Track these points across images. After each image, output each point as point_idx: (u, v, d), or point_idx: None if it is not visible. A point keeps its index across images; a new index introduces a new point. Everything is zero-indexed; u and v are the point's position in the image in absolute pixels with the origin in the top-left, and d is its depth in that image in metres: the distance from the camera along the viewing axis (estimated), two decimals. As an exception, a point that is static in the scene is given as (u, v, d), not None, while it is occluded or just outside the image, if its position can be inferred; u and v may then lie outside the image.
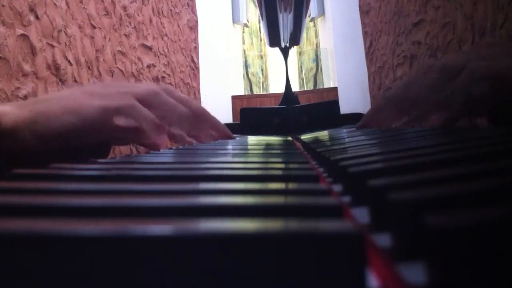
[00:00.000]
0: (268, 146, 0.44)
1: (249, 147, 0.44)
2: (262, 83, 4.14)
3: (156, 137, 0.33)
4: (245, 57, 4.11)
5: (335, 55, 3.27)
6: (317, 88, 3.77)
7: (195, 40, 1.42)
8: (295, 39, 1.06)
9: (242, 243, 0.08)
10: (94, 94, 0.30)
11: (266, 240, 0.08)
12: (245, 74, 4.05)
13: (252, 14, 3.99)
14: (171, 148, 0.39)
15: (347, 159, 0.20)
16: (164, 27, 1.11)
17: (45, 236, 0.08)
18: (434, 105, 0.35)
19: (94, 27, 0.71)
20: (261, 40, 4.13)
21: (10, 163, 0.27)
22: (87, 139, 0.30)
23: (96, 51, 0.71)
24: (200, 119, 0.41)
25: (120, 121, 0.30)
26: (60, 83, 0.58)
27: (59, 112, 0.28)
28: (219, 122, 0.44)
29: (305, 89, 3.86)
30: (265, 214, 0.10)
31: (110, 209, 0.11)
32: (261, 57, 4.17)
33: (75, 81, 0.63)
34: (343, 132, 0.61)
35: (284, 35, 1.03)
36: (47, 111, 0.28)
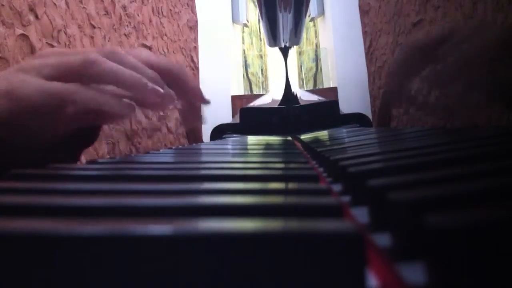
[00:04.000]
0: (268, 146, 0.44)
1: (249, 147, 0.44)
2: (262, 83, 4.14)
3: (125, 110, 0.26)
4: (245, 57, 4.11)
5: (335, 55, 3.27)
6: (317, 88, 3.77)
7: (195, 40, 1.42)
8: (295, 39, 1.06)
9: (242, 243, 0.08)
10: (32, 70, 0.25)
11: (266, 240, 0.08)
12: (244, 74, 4.05)
13: (252, 14, 3.98)
14: (171, 148, 0.39)
15: (347, 159, 0.20)
16: (163, 27, 1.11)
17: (45, 236, 0.08)
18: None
19: (94, 27, 0.71)
20: (261, 40, 4.12)
21: None
22: (35, 129, 0.25)
23: (96, 51, 0.71)
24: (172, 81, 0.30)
25: (69, 108, 0.24)
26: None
27: None
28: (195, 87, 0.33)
29: (305, 89, 3.85)
30: (265, 214, 0.10)
31: (110, 209, 0.11)
32: (261, 57, 4.17)
33: (75, 81, 0.63)
34: (343, 132, 0.61)
35: (284, 35, 1.03)
36: None
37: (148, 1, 1.00)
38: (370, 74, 1.38)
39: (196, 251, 0.07)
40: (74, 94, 0.25)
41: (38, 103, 0.24)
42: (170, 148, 0.39)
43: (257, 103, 1.15)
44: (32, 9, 0.53)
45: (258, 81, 4.10)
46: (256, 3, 1.11)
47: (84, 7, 0.67)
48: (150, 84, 0.27)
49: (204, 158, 0.30)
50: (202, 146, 0.39)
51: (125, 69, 0.27)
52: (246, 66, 4.04)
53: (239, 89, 3.81)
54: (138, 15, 0.92)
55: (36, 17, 0.54)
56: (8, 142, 0.24)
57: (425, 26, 0.83)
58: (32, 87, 0.24)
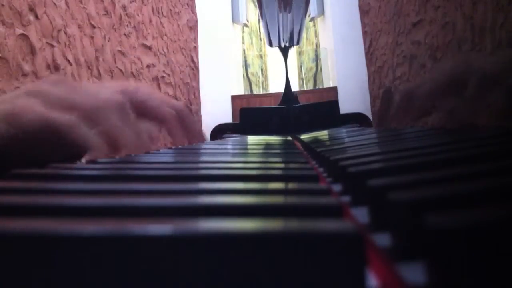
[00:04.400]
0: (268, 146, 0.44)
1: (249, 147, 0.44)
2: (262, 83, 4.14)
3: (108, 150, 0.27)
4: (245, 57, 4.11)
5: (335, 55, 3.27)
6: (317, 88, 3.77)
7: (195, 39, 1.42)
8: (294, 39, 1.06)
9: (242, 243, 0.08)
10: (36, 97, 0.26)
11: (266, 240, 0.08)
12: (244, 74, 4.05)
13: (252, 14, 3.98)
14: (170, 148, 0.39)
15: (346, 159, 0.20)
16: (163, 27, 1.11)
17: (45, 236, 0.08)
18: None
19: (94, 27, 0.71)
20: (260, 40, 4.12)
21: None
22: (30, 152, 0.25)
23: (96, 50, 0.71)
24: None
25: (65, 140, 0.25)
26: (59, 82, 0.58)
27: None
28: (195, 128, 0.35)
29: (305, 89, 3.85)
30: (265, 214, 0.10)
31: (110, 209, 0.11)
32: (261, 57, 4.17)
33: (75, 81, 0.63)
34: (343, 132, 0.61)
35: (284, 35, 1.03)
36: None
37: (148, 1, 1.00)
38: (370, 74, 1.38)
39: (196, 251, 0.07)
40: (72, 129, 0.25)
41: (37, 132, 0.24)
42: (170, 148, 0.39)
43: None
44: (32, 9, 0.53)
45: (258, 81, 4.10)
46: (256, 3, 1.11)
47: (84, 7, 0.67)
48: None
49: (204, 158, 0.30)
50: (202, 146, 0.39)
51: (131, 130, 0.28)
52: (246, 66, 4.04)
53: (239, 89, 3.81)
54: (138, 15, 0.92)
55: (36, 17, 0.54)
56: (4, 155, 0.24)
57: (425, 26, 0.83)
58: (34, 115, 0.24)
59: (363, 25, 1.39)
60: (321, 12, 3.68)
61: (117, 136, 0.28)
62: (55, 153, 0.25)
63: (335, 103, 0.97)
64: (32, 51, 0.52)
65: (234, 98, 3.42)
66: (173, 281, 0.07)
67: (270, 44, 1.09)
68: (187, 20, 1.33)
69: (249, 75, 4.09)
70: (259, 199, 0.12)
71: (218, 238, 0.08)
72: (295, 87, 3.54)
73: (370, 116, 1.05)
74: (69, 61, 0.61)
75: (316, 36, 3.95)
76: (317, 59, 3.93)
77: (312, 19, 3.80)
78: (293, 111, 0.95)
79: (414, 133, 0.34)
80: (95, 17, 0.71)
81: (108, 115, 0.28)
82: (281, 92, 1.06)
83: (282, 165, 0.24)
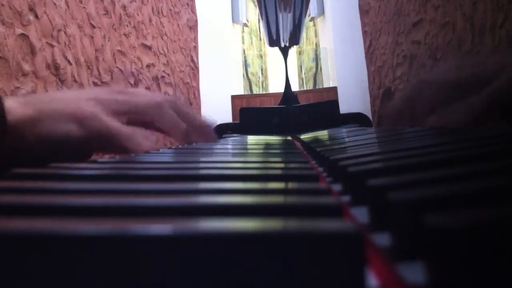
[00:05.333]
0: (267, 145, 0.44)
1: (248, 146, 0.44)
2: (262, 83, 4.14)
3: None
4: (245, 57, 4.11)
5: (334, 55, 3.27)
6: (317, 87, 3.77)
7: (195, 39, 1.42)
8: (294, 39, 1.06)
9: (241, 243, 0.08)
10: (100, 104, 0.30)
11: (265, 240, 0.08)
12: (244, 73, 4.05)
13: (252, 13, 3.99)
14: (170, 148, 0.39)
15: (346, 158, 0.20)
16: (163, 27, 1.11)
17: (45, 236, 0.08)
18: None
19: (94, 27, 0.71)
20: (260, 39, 4.13)
21: (11, 161, 0.27)
22: (85, 150, 0.30)
23: (96, 50, 0.71)
24: (200, 135, 0.41)
25: (123, 145, 0.31)
26: (59, 82, 0.58)
27: (62, 117, 0.28)
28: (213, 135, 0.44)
29: (305, 88, 3.86)
30: (264, 213, 0.10)
31: (110, 209, 0.11)
32: (261, 56, 4.17)
33: (75, 80, 0.63)
34: (343, 131, 0.61)
35: (284, 35, 1.03)
36: (50, 113, 0.28)
37: (148, 1, 1.00)
38: (370, 74, 1.38)
39: (196, 251, 0.07)
40: (129, 138, 0.31)
41: (100, 137, 0.29)
42: (170, 148, 0.39)
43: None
44: (32, 9, 0.53)
45: (258, 81, 4.10)
46: (256, 3, 1.11)
47: (84, 7, 0.67)
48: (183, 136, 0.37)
49: (204, 158, 0.30)
50: (202, 146, 0.39)
51: (180, 122, 0.36)
52: (246, 66, 4.05)
53: (239, 89, 3.81)
54: (138, 15, 0.92)
55: (36, 16, 0.54)
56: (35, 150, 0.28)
57: (425, 26, 0.83)
58: (99, 123, 0.29)
59: (363, 25, 1.39)
60: (321, 12, 3.68)
61: (174, 125, 0.35)
62: (101, 150, 0.32)
63: (335, 103, 0.97)
64: (32, 51, 0.52)
65: (234, 98, 3.42)
66: (173, 281, 0.07)
67: (270, 44, 1.09)
68: (187, 20, 1.33)
69: (249, 75, 4.09)
70: (259, 199, 0.12)
71: (218, 238, 0.08)
72: (295, 87, 3.54)
73: (370, 116, 1.05)
74: (69, 61, 0.61)
75: (316, 36, 3.95)
76: (317, 59, 3.93)
77: (312, 19, 3.80)
78: (293, 111, 0.95)
79: (414, 133, 0.34)
80: (95, 17, 0.71)
81: (166, 110, 0.35)
82: (281, 92, 1.06)
83: (282, 165, 0.24)
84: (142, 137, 0.32)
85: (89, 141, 0.29)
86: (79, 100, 0.30)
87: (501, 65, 0.32)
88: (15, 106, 0.27)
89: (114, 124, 0.30)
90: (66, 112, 0.29)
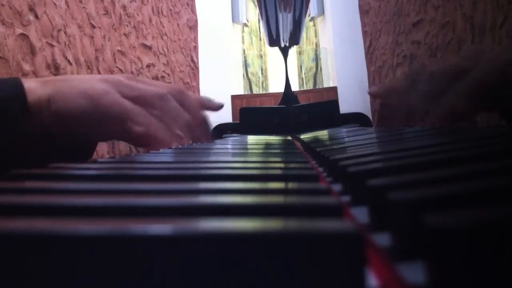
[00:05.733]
0: (267, 145, 0.44)
1: (248, 146, 0.44)
2: (262, 83, 4.14)
3: (172, 141, 0.34)
4: (245, 57, 4.11)
5: (334, 55, 3.27)
6: (317, 87, 3.77)
7: (195, 39, 1.42)
8: (294, 39, 1.06)
9: (241, 243, 0.08)
10: (112, 84, 0.32)
11: (265, 240, 0.08)
12: (244, 73, 4.05)
13: (252, 13, 3.99)
14: (170, 148, 0.39)
15: (346, 158, 0.20)
16: (163, 27, 1.11)
17: (45, 236, 0.08)
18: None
19: (94, 27, 0.71)
20: (260, 39, 4.13)
21: (30, 146, 0.28)
22: (99, 129, 0.32)
23: (96, 50, 0.71)
24: (199, 128, 0.42)
25: (133, 126, 0.32)
26: (59, 82, 0.58)
27: (76, 94, 0.30)
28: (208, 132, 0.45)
29: (305, 88, 3.86)
30: (264, 213, 0.10)
31: (110, 209, 0.11)
32: (261, 56, 4.17)
33: (75, 80, 0.63)
34: (343, 131, 0.61)
35: (284, 35, 1.03)
36: (66, 91, 0.30)
37: (148, 1, 1.00)
38: (370, 74, 1.38)
39: (196, 251, 0.07)
40: (140, 116, 0.32)
41: (113, 113, 0.31)
42: (170, 148, 0.39)
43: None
44: (32, 9, 0.53)
45: (258, 81, 4.10)
46: (256, 3, 1.11)
47: (84, 7, 0.67)
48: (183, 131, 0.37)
49: (204, 158, 0.30)
50: (202, 146, 0.39)
51: (184, 113, 0.37)
52: (246, 66, 4.04)
53: (239, 89, 3.81)
54: (138, 15, 0.92)
55: (36, 16, 0.54)
56: (56, 133, 0.30)
57: (425, 26, 0.83)
58: (112, 99, 0.31)
59: (363, 25, 1.39)
60: (321, 12, 3.68)
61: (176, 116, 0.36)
62: (114, 132, 0.32)
63: (335, 103, 0.97)
64: (32, 50, 0.52)
65: (234, 98, 3.42)
66: (173, 281, 0.07)
67: (270, 44, 1.09)
68: (187, 19, 1.33)
69: (249, 75, 4.09)
70: (258, 199, 0.12)
71: (218, 238, 0.08)
72: (295, 87, 3.54)
73: (370, 116, 1.05)
74: (69, 61, 0.61)
75: (316, 36, 3.95)
76: (317, 59, 3.93)
77: (312, 19, 3.80)
78: (293, 111, 0.95)
79: (414, 133, 0.34)
80: (95, 17, 0.71)
81: (170, 103, 0.36)
82: (281, 92, 1.06)
83: (282, 165, 0.24)
84: (156, 120, 0.33)
85: (104, 118, 0.31)
86: (93, 80, 0.32)
87: (479, 53, 0.32)
88: (33, 86, 0.29)
89: (126, 102, 0.32)
90: (81, 90, 0.30)
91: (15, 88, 0.28)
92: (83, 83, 0.31)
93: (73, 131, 0.31)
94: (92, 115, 0.30)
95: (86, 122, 0.30)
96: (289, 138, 0.62)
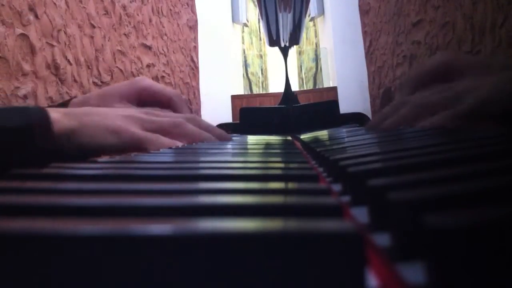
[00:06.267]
0: (267, 145, 0.44)
1: (248, 146, 0.44)
2: (262, 83, 4.14)
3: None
4: (245, 57, 4.11)
5: (334, 55, 3.27)
6: (317, 87, 3.77)
7: (195, 39, 1.42)
8: (294, 39, 1.06)
9: (241, 243, 0.08)
10: (132, 120, 0.36)
11: (265, 240, 0.08)
12: (244, 73, 4.05)
13: (252, 13, 3.99)
14: (170, 148, 0.39)
15: (346, 158, 0.20)
16: (163, 27, 1.11)
17: (45, 236, 0.08)
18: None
19: (94, 27, 0.71)
20: (260, 39, 4.13)
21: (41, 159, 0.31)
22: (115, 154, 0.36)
23: (96, 50, 0.71)
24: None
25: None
26: (59, 82, 0.58)
27: (101, 130, 0.33)
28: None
29: (305, 88, 3.86)
30: (264, 213, 0.10)
31: (110, 209, 0.11)
32: (261, 56, 4.17)
33: (75, 80, 0.63)
34: (343, 132, 0.61)
35: (284, 35, 1.03)
36: (92, 126, 0.33)
37: (148, 1, 1.00)
38: (370, 74, 1.38)
39: (196, 251, 0.07)
40: (154, 141, 0.36)
41: (133, 146, 0.35)
42: (170, 148, 0.39)
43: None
44: (32, 9, 0.53)
45: (258, 81, 4.10)
46: (256, 3, 1.11)
47: (84, 7, 0.67)
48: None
49: (204, 158, 0.30)
50: (202, 146, 0.39)
51: (204, 132, 0.41)
52: (246, 66, 4.04)
53: (239, 89, 3.81)
54: (138, 15, 0.92)
55: (36, 16, 0.54)
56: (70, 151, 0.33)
57: (425, 26, 0.83)
58: (132, 134, 0.35)
59: (363, 25, 1.39)
60: (321, 12, 3.68)
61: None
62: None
63: (335, 103, 0.97)
64: (32, 50, 0.52)
65: (234, 98, 3.42)
66: (173, 281, 0.07)
67: (270, 44, 1.09)
68: (187, 19, 1.33)
69: (249, 75, 4.09)
70: (258, 199, 0.12)
71: (217, 238, 0.08)
72: (295, 87, 3.54)
73: (370, 116, 1.05)
74: (69, 61, 0.61)
75: (316, 36, 3.95)
76: (317, 59, 3.93)
77: (312, 19, 3.80)
78: (293, 111, 0.95)
79: (414, 133, 0.34)
80: (95, 17, 0.71)
81: (187, 126, 0.40)
82: (281, 92, 1.06)
83: (282, 165, 0.24)
84: (167, 140, 0.38)
85: (124, 149, 0.35)
86: (114, 115, 0.35)
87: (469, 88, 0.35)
88: (58, 118, 0.31)
89: (142, 133, 0.36)
90: (104, 126, 0.34)
91: (41, 117, 0.30)
92: (106, 119, 0.34)
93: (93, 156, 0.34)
94: (114, 149, 0.34)
95: (106, 152, 0.34)
96: (289, 138, 0.62)
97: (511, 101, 0.32)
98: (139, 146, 0.35)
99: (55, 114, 0.31)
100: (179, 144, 0.38)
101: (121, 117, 0.36)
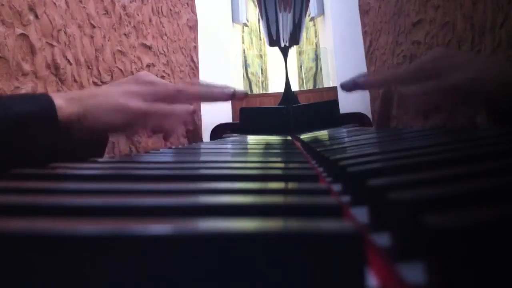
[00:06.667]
0: (267, 145, 0.44)
1: (249, 146, 0.44)
2: (262, 83, 4.14)
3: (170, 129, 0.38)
4: (245, 57, 4.11)
5: (334, 55, 3.27)
6: (317, 87, 3.77)
7: (195, 39, 1.42)
8: (294, 39, 1.06)
9: (241, 243, 0.08)
10: (133, 94, 0.37)
11: (265, 240, 0.08)
12: (244, 73, 4.05)
13: (252, 13, 3.98)
14: (170, 148, 0.39)
15: (346, 158, 0.20)
16: (163, 27, 1.11)
17: (45, 235, 0.08)
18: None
19: (94, 27, 0.71)
20: (260, 39, 4.12)
21: (59, 151, 0.31)
22: (123, 132, 0.36)
23: (96, 50, 0.71)
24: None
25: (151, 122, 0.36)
26: (59, 82, 0.58)
27: (106, 110, 0.34)
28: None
29: (305, 88, 3.85)
30: (264, 213, 0.10)
31: (110, 208, 0.11)
32: (261, 56, 4.17)
33: (75, 80, 0.63)
34: (343, 131, 0.61)
35: (284, 35, 1.03)
36: (96, 108, 0.34)
37: (148, 1, 1.00)
38: (370, 74, 1.38)
39: (196, 250, 0.07)
40: (158, 112, 0.36)
41: (139, 119, 0.35)
42: (170, 148, 0.39)
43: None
44: (32, 9, 0.53)
45: (258, 81, 4.10)
46: (256, 3, 1.11)
47: (84, 7, 0.67)
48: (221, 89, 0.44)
49: (204, 158, 0.30)
50: (202, 146, 0.39)
51: (203, 90, 0.41)
52: (246, 65, 4.04)
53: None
54: (138, 15, 0.92)
55: (36, 16, 0.54)
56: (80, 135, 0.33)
57: (425, 26, 0.83)
58: (136, 108, 0.36)
59: (363, 25, 1.39)
60: (321, 12, 3.68)
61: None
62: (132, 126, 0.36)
63: (335, 103, 0.97)
64: (32, 50, 0.52)
65: (234, 98, 3.41)
66: (173, 281, 0.07)
67: (270, 44, 1.09)
68: (187, 19, 1.33)
69: (249, 75, 4.08)
70: (259, 199, 0.12)
71: (217, 238, 0.08)
72: (295, 87, 3.54)
73: (370, 116, 1.05)
74: (69, 61, 0.61)
75: (316, 36, 3.94)
76: (317, 59, 3.93)
77: (312, 19, 3.80)
78: (293, 111, 0.95)
79: (414, 133, 0.34)
80: (95, 17, 0.71)
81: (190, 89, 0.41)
82: (281, 92, 1.06)
83: (282, 165, 0.24)
84: (173, 107, 0.38)
85: (130, 125, 0.36)
86: (115, 93, 0.36)
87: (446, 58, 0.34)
88: (62, 104, 0.31)
89: (145, 104, 0.36)
90: (107, 105, 0.34)
91: (46, 105, 0.31)
92: (108, 99, 0.35)
93: (102, 136, 0.35)
94: (121, 125, 0.35)
95: (114, 130, 0.35)
96: (289, 138, 0.62)
97: (498, 81, 0.32)
98: (145, 118, 0.36)
99: (58, 100, 0.32)
100: (191, 107, 0.39)
101: (122, 94, 0.37)
